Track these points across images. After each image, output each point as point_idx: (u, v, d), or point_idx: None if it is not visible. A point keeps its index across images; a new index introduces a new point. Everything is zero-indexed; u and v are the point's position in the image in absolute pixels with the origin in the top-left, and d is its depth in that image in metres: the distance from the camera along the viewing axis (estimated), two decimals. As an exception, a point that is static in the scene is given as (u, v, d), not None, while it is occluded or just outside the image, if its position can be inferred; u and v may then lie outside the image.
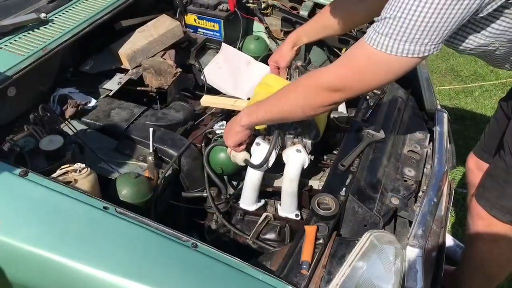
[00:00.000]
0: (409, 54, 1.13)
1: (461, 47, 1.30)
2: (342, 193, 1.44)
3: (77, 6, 1.87)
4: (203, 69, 2.17)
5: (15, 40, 1.63)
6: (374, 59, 1.17)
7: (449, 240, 2.55)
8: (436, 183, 1.54)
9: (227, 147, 1.61)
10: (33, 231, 1.13)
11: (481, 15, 1.15)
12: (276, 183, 1.70)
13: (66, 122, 1.70)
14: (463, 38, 1.27)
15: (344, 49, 2.32)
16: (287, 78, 1.87)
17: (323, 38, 1.94)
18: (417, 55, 1.13)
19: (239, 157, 1.58)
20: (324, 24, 1.76)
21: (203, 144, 1.75)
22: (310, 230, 1.27)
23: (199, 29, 2.35)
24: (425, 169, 1.68)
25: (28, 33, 1.68)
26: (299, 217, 1.62)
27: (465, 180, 2.28)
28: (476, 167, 2.04)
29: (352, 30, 2.24)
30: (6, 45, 1.60)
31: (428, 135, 1.82)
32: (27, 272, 1.13)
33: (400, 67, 1.17)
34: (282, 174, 1.59)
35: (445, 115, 1.88)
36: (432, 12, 1.06)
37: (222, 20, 2.27)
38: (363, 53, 1.20)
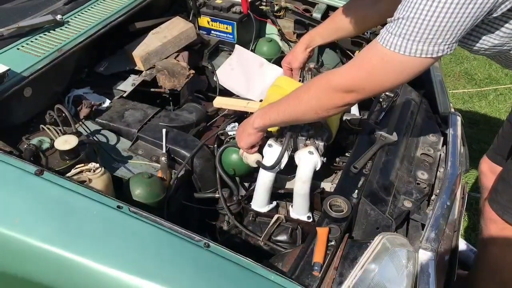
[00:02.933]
0: (422, 54, 1.12)
1: (475, 48, 1.29)
2: (355, 195, 1.44)
3: (92, 8, 1.89)
4: (216, 71, 2.18)
5: (32, 41, 1.65)
6: (387, 60, 1.17)
7: (462, 245, 2.52)
8: (450, 186, 1.53)
9: (239, 148, 1.62)
10: (48, 229, 1.15)
11: (495, 15, 1.14)
12: (288, 185, 1.70)
13: (81, 122, 1.72)
14: (477, 39, 1.26)
15: (357, 51, 2.32)
16: (300, 80, 1.87)
17: (336, 40, 1.94)
18: (430, 55, 1.13)
19: (251, 158, 1.59)
20: (337, 26, 1.76)
21: (215, 145, 1.76)
22: (322, 232, 1.27)
23: (212, 31, 2.37)
24: (438, 172, 1.67)
25: (44, 34, 1.70)
26: (311, 219, 1.62)
27: (478, 184, 2.26)
28: (489, 170, 2.02)
29: (365, 32, 2.24)
30: (23, 46, 1.62)
31: (441, 138, 1.80)
32: (41, 269, 1.14)
33: (413, 67, 1.17)
34: (294, 176, 1.59)
35: (459, 118, 1.86)
36: (445, 12, 1.05)
37: (235, 22, 2.29)
38: (376, 53, 1.19)
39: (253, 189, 1.65)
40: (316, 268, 1.18)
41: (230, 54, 2.27)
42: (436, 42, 1.10)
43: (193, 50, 2.20)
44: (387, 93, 1.86)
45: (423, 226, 1.45)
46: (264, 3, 2.45)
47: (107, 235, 1.14)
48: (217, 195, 1.67)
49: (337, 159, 1.78)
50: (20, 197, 1.21)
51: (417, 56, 1.13)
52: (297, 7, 2.45)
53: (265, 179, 1.59)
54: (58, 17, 1.76)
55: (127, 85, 1.95)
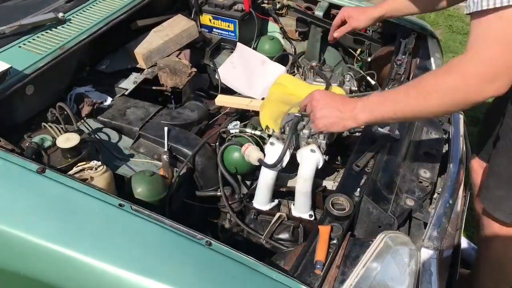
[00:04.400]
0: None
1: None
2: (357, 193, 1.43)
3: (94, 5, 1.89)
4: (217, 69, 2.18)
5: (33, 39, 1.65)
6: (507, 17, 1.01)
7: (464, 243, 2.52)
8: (452, 184, 1.53)
9: (241, 146, 1.62)
10: (50, 227, 1.15)
11: None
12: (290, 183, 1.69)
13: (82, 120, 1.72)
14: None
15: (359, 49, 2.31)
16: (302, 78, 1.87)
17: (403, 15, 1.89)
18: None
19: (253, 156, 1.58)
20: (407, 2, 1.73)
21: (217, 143, 1.76)
22: (324, 230, 1.26)
23: (214, 29, 2.37)
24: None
25: (46, 32, 1.70)
26: (313, 218, 1.62)
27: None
28: (480, 167, 2.01)
29: (368, 30, 2.22)
30: (24, 44, 1.62)
31: (444, 137, 1.80)
32: (43, 267, 1.14)
33: None
34: (296, 174, 1.59)
35: (461, 117, 1.86)
36: None
37: (237, 20, 2.28)
38: (491, 22, 1.03)
39: (255, 187, 1.65)
40: (318, 266, 1.17)
41: (232, 52, 2.27)
42: None
43: (195, 48, 2.20)
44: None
45: (425, 224, 1.44)
46: (266, 1, 2.45)
47: (108, 233, 1.14)
48: (218, 193, 1.66)
49: (339, 157, 1.77)
50: (22, 195, 1.21)
51: None
52: (299, 5, 2.45)
53: (267, 177, 1.59)
54: (60, 15, 1.76)
55: (129, 83, 1.94)
